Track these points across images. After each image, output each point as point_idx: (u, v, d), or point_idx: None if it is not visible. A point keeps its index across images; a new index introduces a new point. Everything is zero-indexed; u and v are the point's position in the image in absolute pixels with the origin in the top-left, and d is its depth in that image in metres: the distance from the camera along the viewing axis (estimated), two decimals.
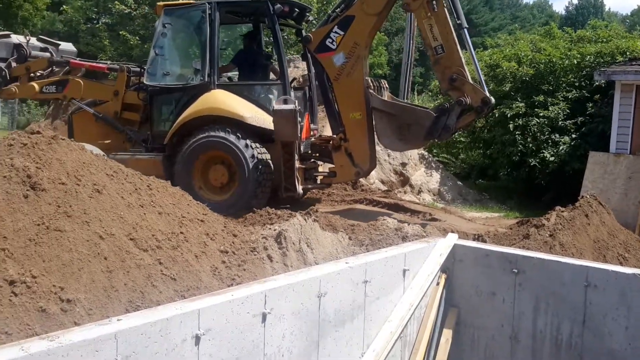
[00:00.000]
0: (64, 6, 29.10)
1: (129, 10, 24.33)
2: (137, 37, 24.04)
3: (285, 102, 8.09)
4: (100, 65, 10.51)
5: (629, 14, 76.12)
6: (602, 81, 13.02)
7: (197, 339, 3.34)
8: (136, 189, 5.22)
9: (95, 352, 2.84)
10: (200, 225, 5.46)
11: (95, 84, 10.02)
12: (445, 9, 8.36)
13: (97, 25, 26.92)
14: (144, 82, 9.43)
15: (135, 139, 9.64)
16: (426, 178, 14.79)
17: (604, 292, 4.79)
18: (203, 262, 4.92)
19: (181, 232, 5.05)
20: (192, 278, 4.66)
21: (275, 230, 5.97)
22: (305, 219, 6.39)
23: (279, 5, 8.98)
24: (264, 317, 3.79)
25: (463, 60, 8.38)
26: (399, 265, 5.16)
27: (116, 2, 24.11)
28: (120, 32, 24.68)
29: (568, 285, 4.97)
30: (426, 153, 16.01)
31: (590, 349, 4.85)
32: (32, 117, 32.44)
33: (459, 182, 15.57)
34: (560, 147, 13.59)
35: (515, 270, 5.25)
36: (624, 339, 4.68)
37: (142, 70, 9.67)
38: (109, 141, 9.68)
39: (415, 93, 28.10)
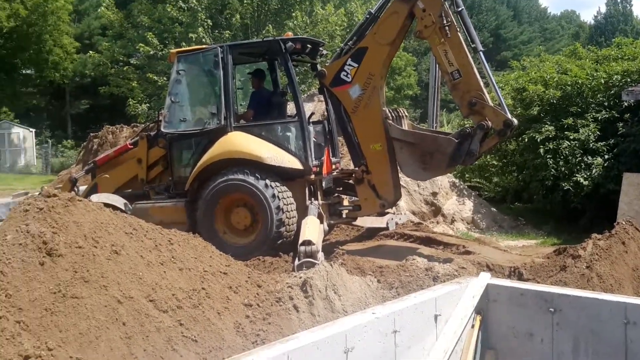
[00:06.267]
0: (90, 52, 29.73)
1: (154, 51, 24.77)
2: (164, 78, 24.42)
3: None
4: (122, 146, 10.52)
5: None
6: (631, 101, 12.69)
7: None
8: (156, 246, 5.14)
9: None
10: (223, 279, 5.34)
11: (119, 170, 10.04)
12: (459, 34, 8.21)
13: (125, 68, 27.41)
14: (162, 130, 9.44)
15: (157, 190, 9.66)
16: (459, 206, 14.53)
17: None
18: (226, 319, 4.78)
19: (203, 288, 4.94)
20: (214, 338, 4.52)
21: (300, 278, 5.81)
22: (331, 264, 6.22)
23: (290, 43, 8.91)
24: None
25: (481, 83, 8.21)
26: (429, 311, 4.96)
27: (140, 44, 24.56)
28: (148, 75, 25.10)
29: (606, 322, 4.74)
30: (457, 180, 15.79)
31: None
32: (66, 159, 32.94)
33: (493, 209, 15.27)
34: (594, 170, 13.28)
35: (552, 309, 5.03)
36: None
37: (159, 120, 9.69)
38: (131, 190, 9.76)
39: (445, 112, 27.91)
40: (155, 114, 10.46)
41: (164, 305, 4.51)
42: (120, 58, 28.71)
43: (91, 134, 20.55)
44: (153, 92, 26.06)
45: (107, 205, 6.25)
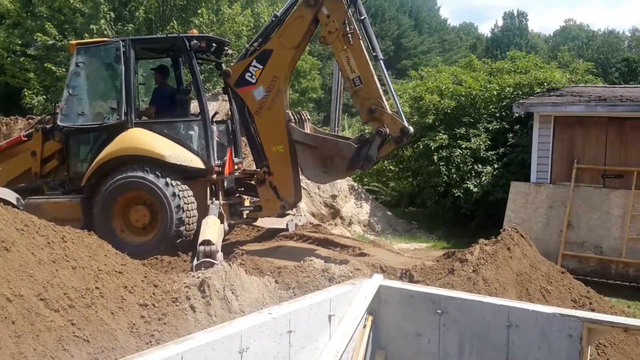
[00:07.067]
0: None
1: (53, 41, 23.73)
2: (63, 69, 23.37)
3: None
4: (16, 138, 10.10)
5: (552, 34, 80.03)
6: (522, 113, 13.44)
7: None
8: (48, 243, 4.99)
9: None
10: (118, 278, 5.26)
11: (11, 162, 9.63)
12: (362, 42, 8.45)
13: (21, 59, 26.03)
14: (58, 123, 9.12)
15: (51, 185, 9.32)
16: (356, 209, 14.90)
17: (525, 332, 4.84)
18: (120, 319, 4.72)
19: (97, 288, 4.84)
20: (107, 338, 4.45)
21: (198, 277, 5.80)
22: (230, 264, 6.25)
23: (195, 41, 8.87)
24: None
25: (381, 91, 8.48)
26: (324, 312, 5.10)
27: (38, 34, 23.44)
28: (46, 65, 23.98)
29: (490, 325, 5.01)
30: (356, 184, 16.19)
31: None
32: None
33: (389, 212, 15.76)
34: (483, 178, 14.00)
35: (439, 311, 5.27)
36: None
37: (56, 113, 9.37)
38: (24, 184, 9.37)
39: (347, 116, 28.47)
40: (53, 106, 10.03)
41: (55, 304, 4.40)
42: (17, 48, 27.19)
43: None
44: (51, 83, 24.88)
45: None
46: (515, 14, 67.07)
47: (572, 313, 4.88)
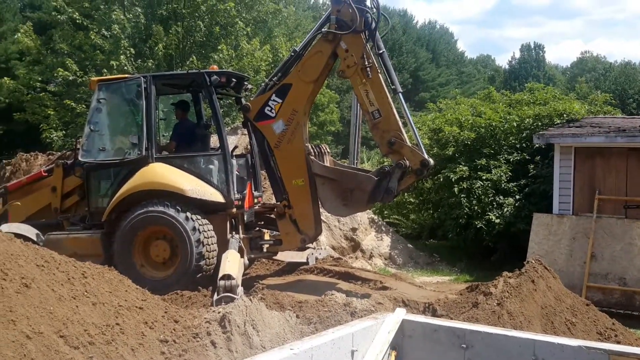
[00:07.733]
0: (5, 78, 28.41)
1: (73, 77, 24.09)
2: (83, 105, 23.66)
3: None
4: (36, 173, 10.23)
5: (569, 65, 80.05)
6: (542, 144, 13.35)
7: None
8: (69, 279, 4.99)
9: None
10: (139, 314, 5.23)
11: (31, 198, 9.71)
12: (380, 75, 8.50)
13: (41, 94, 26.40)
14: (79, 158, 9.21)
15: (72, 221, 9.37)
16: (377, 242, 14.79)
17: None
18: (140, 356, 4.67)
19: (117, 324, 4.82)
20: None
21: (219, 313, 5.75)
22: (250, 299, 6.20)
23: (215, 77, 8.95)
24: None
25: (400, 124, 8.49)
26: (346, 347, 5.00)
27: (59, 69, 23.81)
28: (65, 101, 24.31)
29: (515, 359, 4.91)
30: (376, 217, 16.10)
31: None
32: None
33: (410, 245, 15.62)
34: (505, 209, 13.86)
35: (464, 345, 5.16)
36: None
37: (77, 149, 9.46)
38: (44, 220, 9.43)
39: (365, 149, 28.52)
40: (72, 141, 10.16)
41: (75, 341, 4.37)
42: (37, 85, 27.63)
43: (4, 161, 19.66)
44: (71, 119, 25.20)
45: (18, 235, 6.04)
46: (532, 46, 67.20)
47: (598, 345, 4.77)
